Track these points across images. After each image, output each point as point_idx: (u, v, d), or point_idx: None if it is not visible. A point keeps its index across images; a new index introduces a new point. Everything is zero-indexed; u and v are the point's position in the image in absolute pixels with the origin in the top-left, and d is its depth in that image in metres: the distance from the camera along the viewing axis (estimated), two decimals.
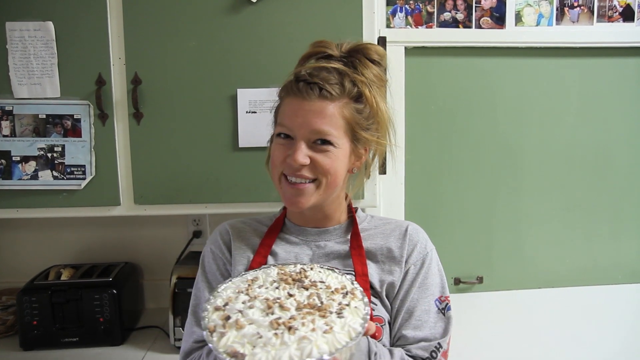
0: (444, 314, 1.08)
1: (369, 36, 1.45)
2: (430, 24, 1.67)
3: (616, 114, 1.78)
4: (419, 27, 1.67)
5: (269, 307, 0.81)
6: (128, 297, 1.68)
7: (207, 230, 1.88)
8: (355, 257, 1.09)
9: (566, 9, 1.69)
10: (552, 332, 1.74)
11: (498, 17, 1.67)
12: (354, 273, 1.07)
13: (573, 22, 1.70)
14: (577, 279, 1.83)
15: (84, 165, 1.46)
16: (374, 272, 1.09)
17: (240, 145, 1.46)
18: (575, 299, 1.81)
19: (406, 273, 1.10)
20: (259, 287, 0.89)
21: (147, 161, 1.47)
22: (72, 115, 1.45)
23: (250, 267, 1.09)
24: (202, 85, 1.45)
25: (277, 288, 0.88)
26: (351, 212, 1.18)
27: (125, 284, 1.68)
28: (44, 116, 1.44)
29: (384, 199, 1.66)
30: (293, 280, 0.91)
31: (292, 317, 0.79)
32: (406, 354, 1.03)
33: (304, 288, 0.88)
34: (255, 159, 1.46)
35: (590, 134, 1.78)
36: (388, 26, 1.66)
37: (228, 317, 0.79)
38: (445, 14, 1.66)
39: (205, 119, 1.46)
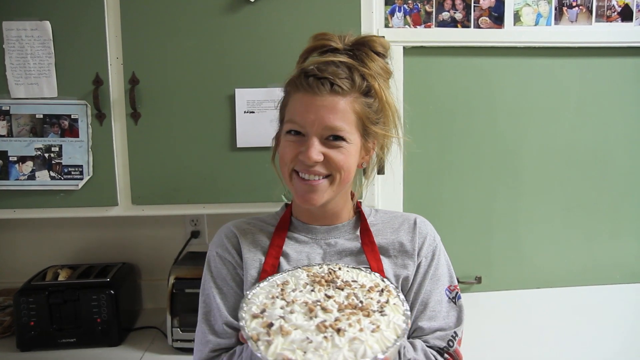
0: (455, 303, 1.10)
1: None
2: (429, 23, 1.66)
3: (615, 114, 1.78)
4: (418, 26, 1.66)
5: (311, 311, 0.80)
6: (126, 298, 1.68)
7: (205, 231, 1.87)
8: (369, 253, 1.09)
9: (565, 8, 1.69)
10: (551, 332, 1.74)
11: (496, 17, 1.67)
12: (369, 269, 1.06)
13: (571, 21, 1.69)
14: (576, 279, 1.83)
15: (82, 166, 1.45)
16: (388, 267, 1.09)
17: (238, 145, 1.46)
18: (574, 299, 1.80)
19: (418, 266, 1.11)
20: (293, 290, 0.87)
21: (144, 161, 1.46)
22: (69, 115, 1.44)
23: (263, 269, 1.06)
24: (200, 85, 1.44)
25: (312, 290, 0.87)
26: (357, 208, 1.17)
27: (123, 284, 1.67)
28: (41, 116, 1.44)
29: (383, 199, 1.66)
30: (326, 281, 0.89)
31: (337, 319, 0.78)
32: (425, 345, 1.04)
33: (339, 289, 0.87)
34: (253, 159, 1.46)
35: (589, 133, 1.78)
36: (386, 26, 1.65)
37: (271, 324, 0.77)
38: (444, 13, 1.66)
39: (203, 118, 1.46)
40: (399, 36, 1.64)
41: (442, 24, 1.66)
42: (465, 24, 1.67)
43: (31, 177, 1.45)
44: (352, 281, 0.91)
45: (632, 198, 1.83)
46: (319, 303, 0.82)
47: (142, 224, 1.86)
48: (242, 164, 1.47)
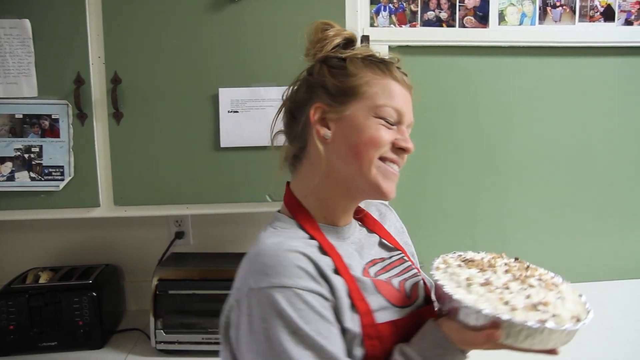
0: None
1: None
2: (414, 23, 1.66)
3: (598, 113, 1.80)
4: (403, 26, 1.66)
5: (523, 282, 0.88)
6: (109, 300, 1.66)
7: (190, 231, 1.85)
8: (392, 241, 1.09)
9: (549, 8, 1.70)
10: None
11: (481, 16, 1.67)
12: (403, 255, 1.07)
13: (555, 21, 1.71)
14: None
15: (63, 166, 1.43)
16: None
17: (221, 145, 1.44)
18: None
19: None
20: (487, 280, 0.89)
21: (127, 162, 1.45)
22: (50, 115, 1.42)
23: (350, 289, 0.88)
24: (183, 84, 1.43)
25: (496, 273, 0.93)
26: None
27: (106, 286, 1.65)
28: (21, 116, 1.41)
29: None
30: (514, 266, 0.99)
31: (544, 281, 0.90)
32: None
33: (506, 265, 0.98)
34: (237, 159, 1.45)
35: (572, 131, 1.79)
36: (372, 25, 1.65)
37: (534, 305, 0.81)
38: (429, 13, 1.66)
39: (186, 118, 1.44)
40: (384, 35, 1.64)
41: (427, 23, 1.67)
42: (450, 23, 1.67)
43: (10, 178, 1.42)
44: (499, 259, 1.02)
45: (616, 196, 1.84)
46: (519, 277, 0.90)
47: (125, 225, 1.83)
48: (226, 164, 1.46)
